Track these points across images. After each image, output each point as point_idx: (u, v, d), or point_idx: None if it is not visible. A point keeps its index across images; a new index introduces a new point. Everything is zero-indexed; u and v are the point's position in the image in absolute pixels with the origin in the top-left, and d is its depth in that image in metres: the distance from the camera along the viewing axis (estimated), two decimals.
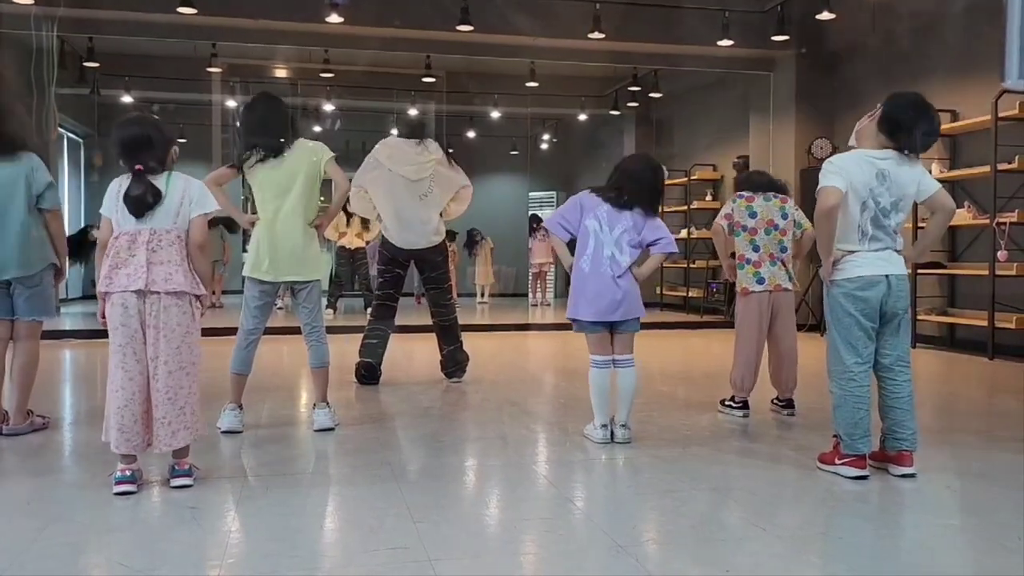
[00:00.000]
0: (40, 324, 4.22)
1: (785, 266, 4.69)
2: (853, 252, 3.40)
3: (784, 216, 4.71)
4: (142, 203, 3.15)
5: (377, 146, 5.70)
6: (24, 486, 3.43)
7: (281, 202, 4.21)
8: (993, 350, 7.36)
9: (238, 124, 4.31)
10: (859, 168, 3.38)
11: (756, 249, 4.68)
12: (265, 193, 4.23)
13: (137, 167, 3.18)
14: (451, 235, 10.96)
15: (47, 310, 4.21)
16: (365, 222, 10.81)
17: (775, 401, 4.82)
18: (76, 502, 3.08)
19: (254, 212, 4.32)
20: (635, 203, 4.01)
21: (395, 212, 5.58)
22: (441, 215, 5.73)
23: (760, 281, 4.67)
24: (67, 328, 9.18)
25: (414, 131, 5.78)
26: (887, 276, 3.37)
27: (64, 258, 4.28)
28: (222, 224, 12.35)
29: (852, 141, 3.59)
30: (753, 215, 4.69)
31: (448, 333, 5.91)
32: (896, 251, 3.44)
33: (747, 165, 10.93)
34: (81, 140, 14.43)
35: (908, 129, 3.37)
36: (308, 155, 4.26)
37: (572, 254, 4.10)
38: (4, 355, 4.16)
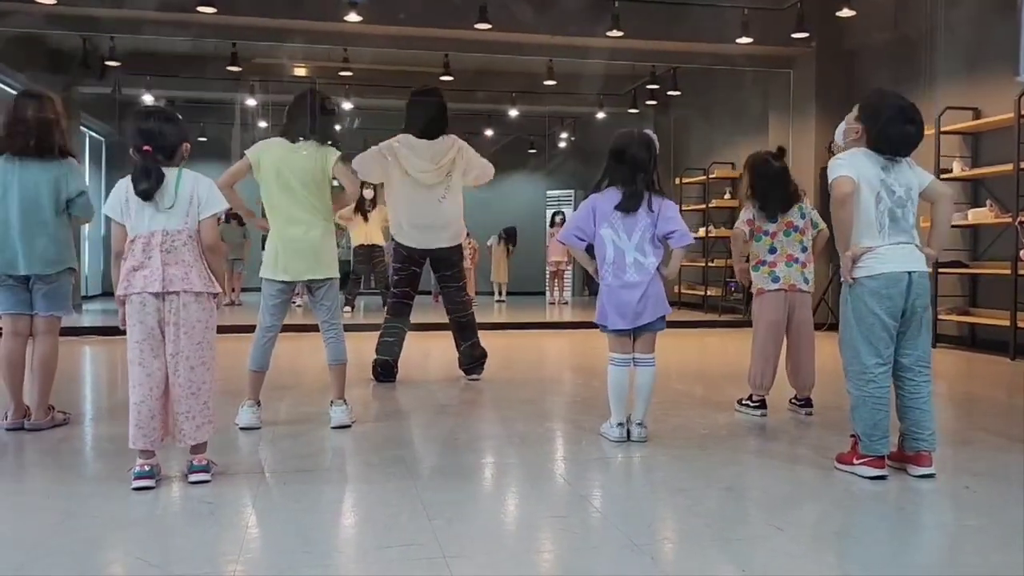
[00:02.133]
0: (58, 320, 4.28)
1: (804, 267, 4.66)
2: (874, 248, 3.34)
3: (802, 216, 4.68)
4: (147, 184, 3.16)
5: (395, 141, 5.57)
6: (44, 480, 3.48)
7: (295, 202, 4.22)
8: (1015, 350, 7.28)
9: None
10: (866, 160, 3.38)
11: (773, 251, 4.66)
12: (279, 193, 4.25)
13: (145, 148, 3.19)
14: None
15: (64, 306, 4.27)
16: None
17: (793, 400, 4.79)
18: (95, 496, 3.11)
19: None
20: (639, 200, 3.93)
21: (411, 216, 5.56)
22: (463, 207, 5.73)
23: (775, 280, 4.64)
24: (87, 325, 9.28)
25: (430, 128, 5.61)
26: (909, 273, 3.32)
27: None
28: (235, 219, 12.49)
29: (839, 139, 3.60)
30: (775, 219, 4.66)
31: (465, 330, 5.91)
32: (916, 246, 3.40)
33: None
34: (102, 139, 14.58)
35: (889, 135, 3.36)
36: (319, 156, 4.28)
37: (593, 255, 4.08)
38: (24, 350, 4.22)
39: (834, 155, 3.53)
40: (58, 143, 4.15)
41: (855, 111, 3.53)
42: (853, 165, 3.36)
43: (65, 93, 11.38)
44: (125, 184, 3.24)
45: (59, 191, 4.15)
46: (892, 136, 3.36)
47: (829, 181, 3.39)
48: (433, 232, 5.59)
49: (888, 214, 3.34)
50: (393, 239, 5.78)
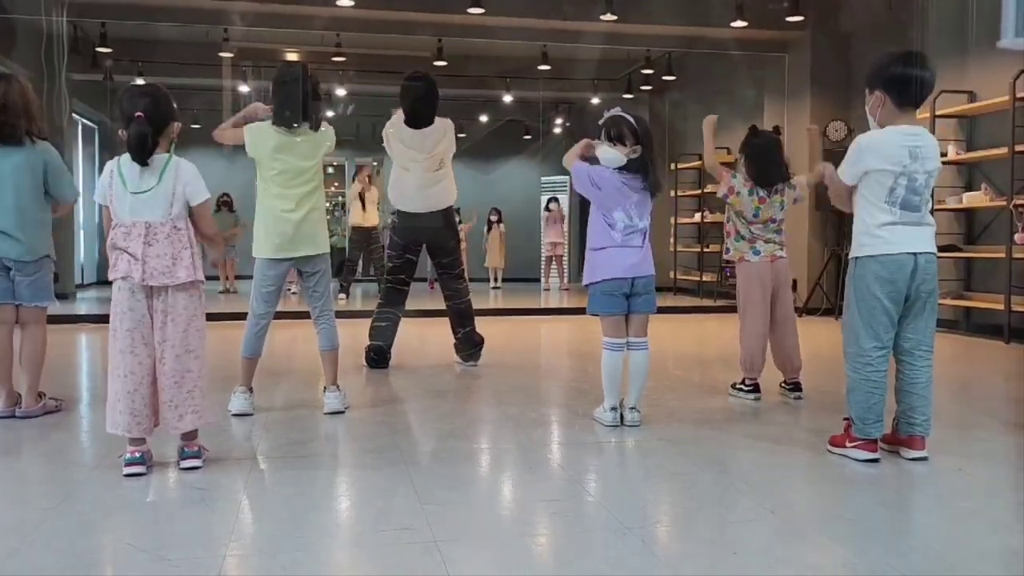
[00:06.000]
0: (44, 309, 4.26)
1: (780, 247, 4.71)
2: (882, 225, 3.27)
3: (782, 208, 4.70)
4: (142, 149, 3.10)
5: (390, 131, 5.58)
6: (36, 467, 3.46)
7: (289, 185, 4.20)
8: (1009, 334, 7.29)
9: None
10: (893, 143, 3.26)
11: (750, 232, 4.67)
12: (274, 176, 4.22)
13: (138, 114, 3.11)
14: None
15: (48, 295, 4.24)
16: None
17: (782, 385, 4.78)
18: (86, 483, 3.10)
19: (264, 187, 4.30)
20: (643, 164, 3.97)
21: (403, 190, 5.62)
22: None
23: (756, 253, 4.67)
24: (82, 313, 9.26)
25: (419, 115, 5.53)
26: (915, 255, 3.27)
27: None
28: (225, 206, 12.48)
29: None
30: (757, 214, 4.66)
31: (462, 316, 5.91)
32: (928, 225, 3.33)
33: None
34: (95, 126, 14.49)
35: (903, 77, 3.29)
36: (317, 140, 4.26)
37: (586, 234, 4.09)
38: (11, 339, 4.20)
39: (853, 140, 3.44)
40: (25, 127, 4.07)
41: (866, 91, 3.42)
42: (867, 157, 3.29)
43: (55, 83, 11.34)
44: (110, 167, 3.19)
45: (32, 176, 4.08)
46: (906, 76, 3.26)
47: (839, 168, 3.38)
48: (423, 201, 5.60)
49: (901, 201, 3.27)
50: (391, 223, 5.78)
